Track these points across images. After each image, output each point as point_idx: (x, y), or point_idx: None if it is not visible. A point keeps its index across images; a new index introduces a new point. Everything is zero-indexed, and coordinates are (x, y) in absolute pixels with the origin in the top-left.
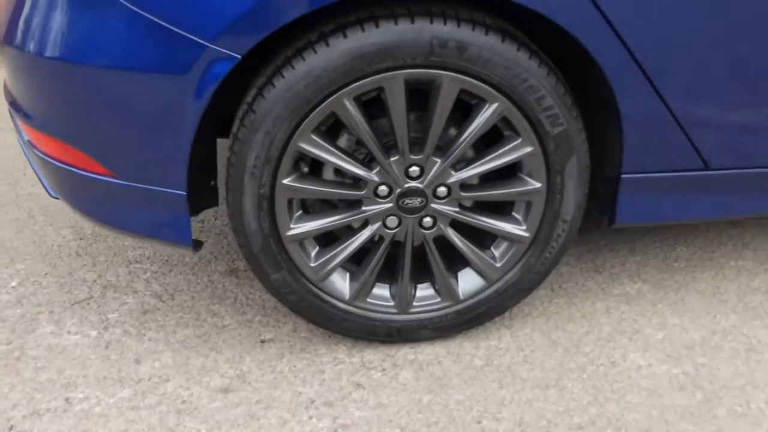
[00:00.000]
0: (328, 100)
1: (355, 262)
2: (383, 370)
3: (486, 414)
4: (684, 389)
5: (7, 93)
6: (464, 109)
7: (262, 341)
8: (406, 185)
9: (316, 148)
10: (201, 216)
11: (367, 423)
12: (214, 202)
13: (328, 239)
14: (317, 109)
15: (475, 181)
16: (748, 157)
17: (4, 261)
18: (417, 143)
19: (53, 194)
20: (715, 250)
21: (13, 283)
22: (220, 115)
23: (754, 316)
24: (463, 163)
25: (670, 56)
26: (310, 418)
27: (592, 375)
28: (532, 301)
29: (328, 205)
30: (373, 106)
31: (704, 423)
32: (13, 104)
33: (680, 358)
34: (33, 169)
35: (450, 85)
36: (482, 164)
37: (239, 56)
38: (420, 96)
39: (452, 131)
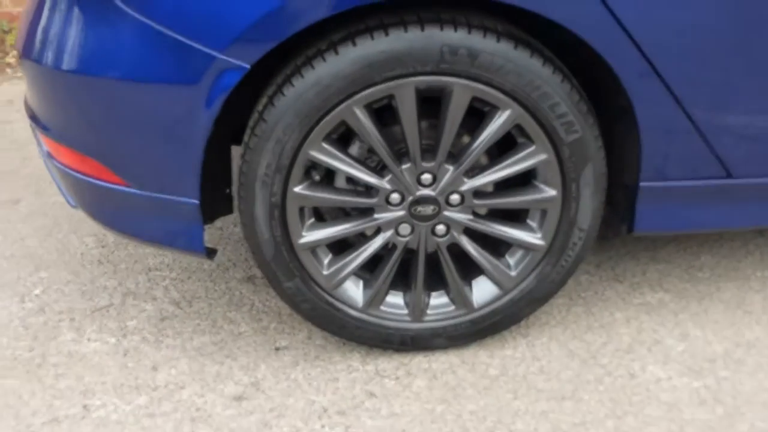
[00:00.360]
0: (338, 108)
1: (369, 269)
2: (397, 378)
3: (499, 425)
4: (705, 403)
5: (27, 106)
6: (479, 114)
7: (277, 349)
8: (419, 193)
9: (327, 156)
10: (219, 223)
11: None
12: (229, 210)
13: (341, 247)
14: (327, 118)
15: (490, 189)
16: None
17: (29, 269)
18: (429, 150)
19: (72, 203)
20: (741, 260)
21: (37, 291)
22: (236, 122)
23: None
24: (476, 170)
25: (689, 62)
26: (323, 426)
27: (610, 387)
28: (550, 310)
29: (341, 213)
30: (385, 112)
31: None
32: (33, 117)
33: (702, 371)
34: (53, 179)
35: (461, 92)
36: (495, 171)
37: (248, 66)
38: (432, 103)
39: (465, 138)
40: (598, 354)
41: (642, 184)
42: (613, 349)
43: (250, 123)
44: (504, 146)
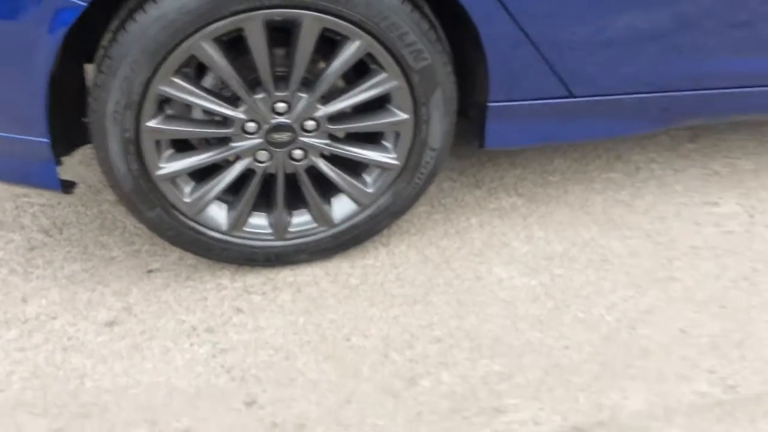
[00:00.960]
0: (185, 43)
1: (233, 193)
2: (263, 293)
3: (356, 331)
4: (538, 299)
5: None
6: (334, 41)
7: (149, 271)
8: (274, 121)
9: (178, 90)
10: None
11: (244, 346)
12: (88, 140)
13: (203, 174)
14: (175, 53)
15: (347, 112)
16: (610, 84)
17: None
18: (285, 78)
19: None
20: (590, 163)
21: None
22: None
23: (613, 228)
24: (332, 96)
25: None
26: (192, 345)
27: (458, 289)
28: (411, 218)
29: (203, 142)
30: (240, 41)
31: (549, 330)
32: None
33: (539, 269)
34: None
35: (311, 24)
36: (349, 98)
37: (85, 3)
38: (287, 31)
39: (321, 64)
40: (451, 259)
41: (490, 104)
42: (465, 254)
43: (96, 59)
44: (361, 71)
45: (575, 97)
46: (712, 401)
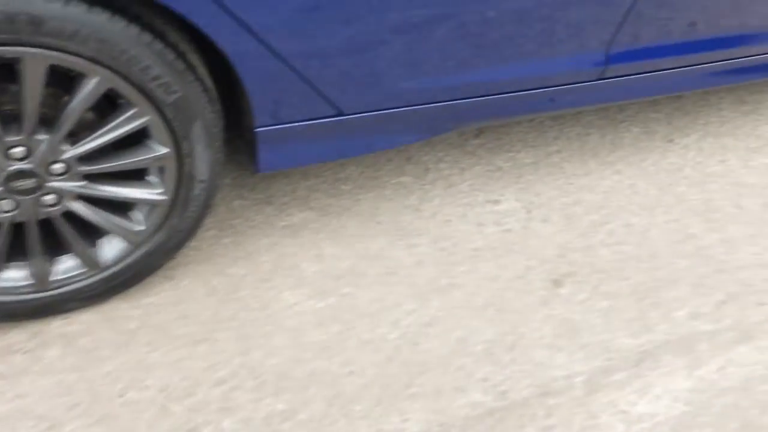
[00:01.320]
0: None
1: None
2: (27, 351)
3: (132, 384)
4: (323, 324)
5: None
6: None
7: None
8: (12, 168)
9: None
10: None
11: (2, 420)
12: None
13: None
14: None
15: (100, 152)
16: (380, 99)
17: None
18: (18, 119)
19: None
20: (381, 168)
21: None
22: None
23: (401, 236)
24: (81, 134)
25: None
26: None
27: (244, 322)
28: (199, 245)
29: None
30: None
31: (335, 356)
32: None
33: (327, 290)
34: None
35: (34, 62)
36: (99, 137)
37: None
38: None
39: (65, 101)
40: (239, 287)
41: (257, 129)
42: (253, 280)
43: None
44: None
45: (346, 115)
46: (484, 411)
